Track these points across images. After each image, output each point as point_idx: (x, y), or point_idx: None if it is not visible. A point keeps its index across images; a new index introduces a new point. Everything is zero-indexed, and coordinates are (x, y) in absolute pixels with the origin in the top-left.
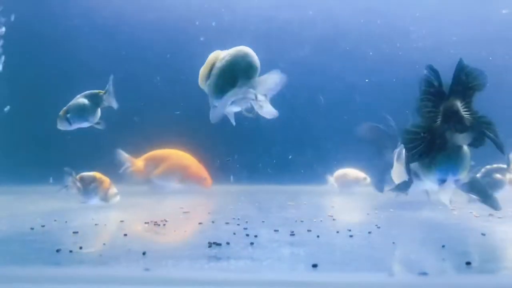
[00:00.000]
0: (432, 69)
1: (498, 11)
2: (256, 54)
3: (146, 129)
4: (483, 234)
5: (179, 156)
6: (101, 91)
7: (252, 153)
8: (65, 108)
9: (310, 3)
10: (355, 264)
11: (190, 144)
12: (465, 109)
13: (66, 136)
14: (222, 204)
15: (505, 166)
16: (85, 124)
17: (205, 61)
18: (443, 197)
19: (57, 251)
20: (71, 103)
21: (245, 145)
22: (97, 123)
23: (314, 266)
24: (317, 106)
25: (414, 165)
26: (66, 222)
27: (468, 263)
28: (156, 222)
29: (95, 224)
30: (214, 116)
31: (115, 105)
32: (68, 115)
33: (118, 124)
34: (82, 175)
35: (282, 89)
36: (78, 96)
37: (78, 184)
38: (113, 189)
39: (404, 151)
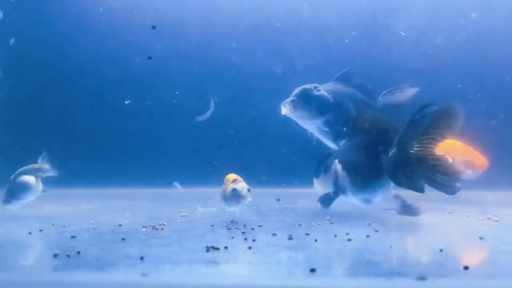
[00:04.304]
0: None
1: (468, 15)
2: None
3: None
4: (481, 238)
5: None
6: (35, 165)
7: (250, 156)
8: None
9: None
10: (353, 269)
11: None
12: (418, 145)
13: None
14: (220, 208)
15: None
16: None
17: None
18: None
19: (55, 256)
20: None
21: (242, 148)
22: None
23: (312, 270)
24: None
25: (344, 181)
26: (64, 226)
27: (466, 268)
28: (154, 226)
29: (93, 228)
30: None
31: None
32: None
33: None
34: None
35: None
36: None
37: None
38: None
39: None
